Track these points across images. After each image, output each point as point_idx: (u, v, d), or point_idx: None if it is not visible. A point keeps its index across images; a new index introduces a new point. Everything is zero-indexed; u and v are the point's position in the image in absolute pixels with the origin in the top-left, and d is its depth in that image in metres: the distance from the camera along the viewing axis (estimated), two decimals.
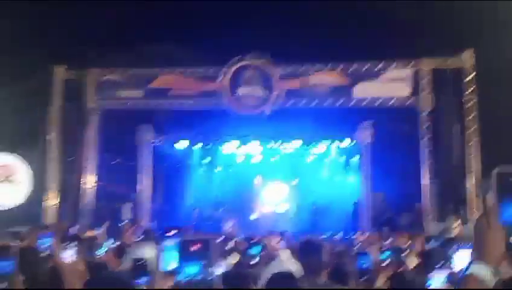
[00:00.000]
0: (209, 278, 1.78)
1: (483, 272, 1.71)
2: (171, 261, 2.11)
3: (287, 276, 2.98)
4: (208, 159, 23.83)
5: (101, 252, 6.17)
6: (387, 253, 5.07)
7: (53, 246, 3.86)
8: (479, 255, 1.75)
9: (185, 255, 1.79)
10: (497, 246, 1.72)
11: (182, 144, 21.88)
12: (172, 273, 2.03)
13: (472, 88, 18.32)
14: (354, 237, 14.14)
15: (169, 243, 2.15)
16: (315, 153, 22.29)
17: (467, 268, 1.76)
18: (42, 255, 3.78)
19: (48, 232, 4.17)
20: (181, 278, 1.79)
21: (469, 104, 18.26)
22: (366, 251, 4.29)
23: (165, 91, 20.11)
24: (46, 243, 3.99)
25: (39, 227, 4.40)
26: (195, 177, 24.84)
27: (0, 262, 2.06)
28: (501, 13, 16.91)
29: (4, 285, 2.05)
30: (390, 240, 10.86)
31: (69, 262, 3.98)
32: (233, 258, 5.02)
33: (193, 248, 1.80)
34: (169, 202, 23.78)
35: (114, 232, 13.59)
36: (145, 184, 20.49)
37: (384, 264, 4.83)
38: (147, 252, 4.41)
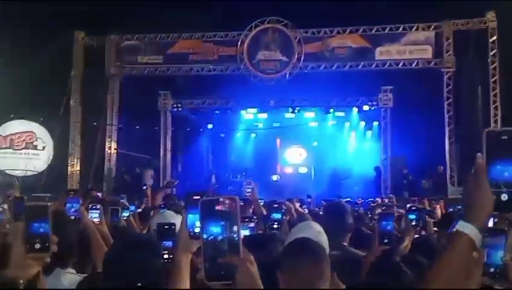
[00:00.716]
0: (233, 238, 1.77)
1: (469, 229, 1.71)
2: (194, 225, 2.12)
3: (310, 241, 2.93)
4: (228, 124, 23.78)
5: (124, 217, 6.20)
6: (415, 213, 5.09)
7: (81, 210, 3.90)
8: (468, 214, 1.74)
9: (208, 215, 1.79)
10: (485, 205, 1.72)
11: (201, 110, 21.83)
12: (197, 237, 2.03)
13: (495, 50, 18.02)
14: (375, 201, 14.11)
15: (193, 207, 2.15)
16: (335, 118, 22.07)
17: (454, 226, 1.76)
18: (71, 218, 3.84)
19: (75, 197, 4.21)
20: (205, 238, 1.78)
21: (492, 66, 17.98)
22: (389, 213, 4.25)
23: (185, 56, 20.07)
24: (74, 207, 4.04)
25: (67, 192, 4.45)
26: (215, 143, 24.90)
27: (37, 223, 2.09)
28: None
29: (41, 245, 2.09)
30: (411, 204, 10.81)
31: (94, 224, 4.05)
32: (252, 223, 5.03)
33: (217, 208, 1.78)
34: (189, 167, 23.89)
35: (136, 197, 13.74)
36: (165, 150, 20.57)
37: (413, 224, 4.88)
38: (171, 216, 4.44)
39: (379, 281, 2.91)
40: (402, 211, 9.62)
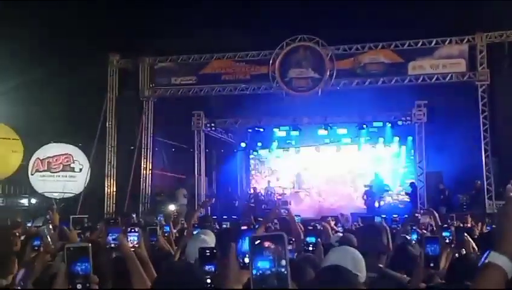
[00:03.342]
0: (282, 272, 1.77)
1: (501, 261, 1.69)
2: (245, 255, 2.16)
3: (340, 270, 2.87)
4: (261, 142, 23.82)
5: (159, 238, 6.27)
6: (448, 231, 5.09)
7: (120, 238, 3.97)
8: (500, 244, 1.72)
9: (257, 251, 1.79)
10: None
11: (234, 129, 21.96)
12: (247, 267, 2.08)
13: None
14: (415, 217, 13.92)
15: (241, 238, 2.21)
16: (369, 134, 21.88)
17: (486, 256, 1.74)
18: (108, 246, 3.92)
19: (116, 226, 4.32)
20: (254, 273, 1.78)
21: None
22: (435, 236, 4.22)
23: (217, 76, 20.25)
24: (114, 236, 4.12)
25: (107, 221, 4.58)
26: (248, 161, 24.99)
27: (78, 263, 2.16)
28: None
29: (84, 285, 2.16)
30: (449, 220, 10.70)
31: (132, 248, 4.07)
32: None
33: (265, 244, 1.79)
34: (223, 186, 24.01)
35: (170, 217, 13.84)
36: (199, 169, 20.67)
37: (446, 241, 4.85)
38: (209, 239, 4.47)
39: None
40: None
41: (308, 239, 5.09)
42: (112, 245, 3.96)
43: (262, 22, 19.41)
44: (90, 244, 2.23)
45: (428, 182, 18.84)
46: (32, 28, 18.67)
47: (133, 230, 4.37)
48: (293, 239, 5.08)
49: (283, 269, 1.78)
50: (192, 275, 2.68)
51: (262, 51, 19.91)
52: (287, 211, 7.91)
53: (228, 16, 19.51)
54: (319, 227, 6.46)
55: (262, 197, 22.35)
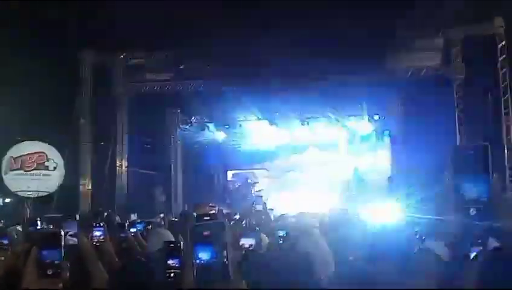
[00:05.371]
0: (223, 262, 1.75)
1: (437, 247, 1.75)
2: None
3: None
4: (237, 138, 23.76)
5: (131, 232, 6.32)
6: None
7: (77, 233, 3.91)
8: None
9: (198, 241, 1.78)
10: None
11: (211, 125, 21.88)
12: None
13: (504, 55, 17.90)
14: None
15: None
16: (345, 128, 21.95)
17: (423, 243, 1.80)
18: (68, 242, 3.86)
19: (72, 221, 4.26)
20: (197, 263, 1.76)
21: (502, 72, 17.86)
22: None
23: (193, 73, 20.06)
24: (70, 231, 4.06)
25: (64, 216, 4.55)
26: (225, 157, 24.94)
27: (49, 249, 2.16)
28: None
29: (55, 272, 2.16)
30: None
31: (97, 243, 4.24)
32: (263, 240, 5.06)
33: (205, 233, 1.77)
34: (200, 183, 23.93)
35: (147, 215, 13.75)
36: (176, 166, 20.56)
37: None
38: (167, 235, 4.49)
39: None
40: None
41: (279, 232, 5.12)
42: (70, 242, 3.91)
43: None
44: (61, 231, 2.25)
45: (405, 177, 18.89)
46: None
47: (98, 225, 4.49)
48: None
49: (225, 260, 1.77)
50: (150, 266, 2.65)
51: None
52: (261, 206, 7.92)
53: None
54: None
55: (239, 193, 22.30)
